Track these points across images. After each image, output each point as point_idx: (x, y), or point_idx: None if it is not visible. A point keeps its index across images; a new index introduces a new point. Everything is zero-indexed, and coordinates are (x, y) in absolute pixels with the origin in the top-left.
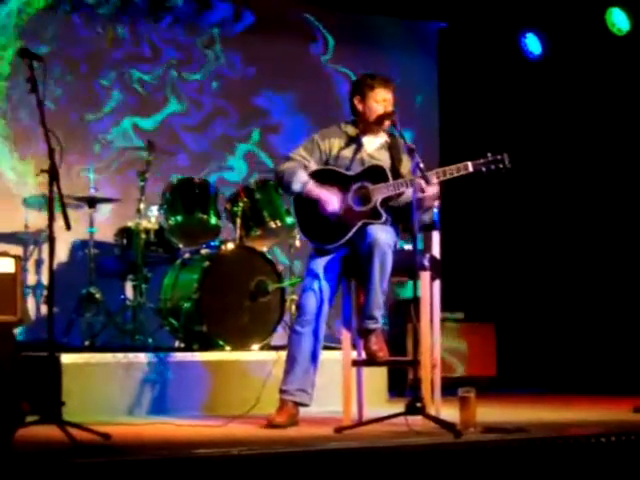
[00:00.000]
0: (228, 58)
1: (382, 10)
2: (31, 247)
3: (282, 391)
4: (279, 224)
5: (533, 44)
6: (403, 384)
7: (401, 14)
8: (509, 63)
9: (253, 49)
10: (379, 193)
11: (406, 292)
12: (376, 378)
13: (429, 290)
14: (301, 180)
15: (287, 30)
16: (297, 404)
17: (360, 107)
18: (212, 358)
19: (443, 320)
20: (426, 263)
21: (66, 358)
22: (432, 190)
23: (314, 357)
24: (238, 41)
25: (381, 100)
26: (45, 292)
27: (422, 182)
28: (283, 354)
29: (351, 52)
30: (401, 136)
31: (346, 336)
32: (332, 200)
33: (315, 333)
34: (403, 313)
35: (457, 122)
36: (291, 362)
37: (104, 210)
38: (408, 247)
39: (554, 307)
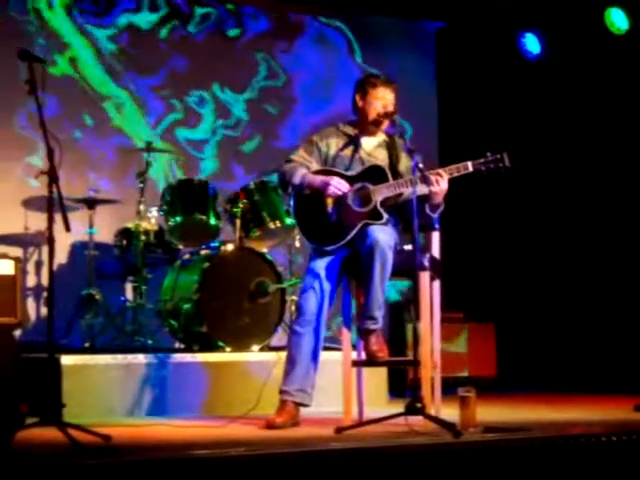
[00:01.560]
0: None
1: (380, 10)
2: (31, 249)
3: (282, 392)
4: (279, 225)
5: (532, 44)
6: (403, 384)
7: (399, 14)
8: (508, 63)
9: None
10: (379, 193)
11: None
12: (376, 378)
13: (429, 290)
14: (301, 174)
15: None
16: (297, 404)
17: (361, 104)
18: (212, 359)
19: (443, 320)
20: (426, 263)
21: (66, 359)
22: (442, 186)
23: (314, 357)
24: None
25: (382, 98)
26: (45, 294)
27: (433, 177)
28: (283, 355)
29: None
30: (401, 136)
31: (346, 336)
32: (332, 180)
33: (315, 333)
34: (403, 313)
35: (456, 122)
36: (291, 362)
37: (103, 211)
38: (408, 247)
39: (554, 306)
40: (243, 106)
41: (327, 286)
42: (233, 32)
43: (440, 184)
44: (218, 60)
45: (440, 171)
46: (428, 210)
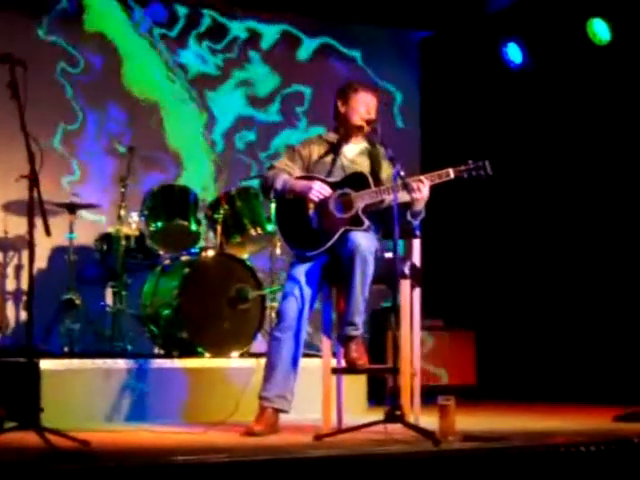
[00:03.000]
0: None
1: (364, 18)
2: (10, 253)
3: (262, 397)
4: (259, 231)
5: (514, 53)
6: (382, 392)
7: (383, 22)
8: (490, 72)
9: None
10: (361, 200)
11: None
12: (356, 386)
13: (409, 298)
14: (282, 179)
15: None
16: (276, 411)
17: (342, 110)
18: (192, 365)
19: (423, 328)
20: (406, 271)
21: (45, 364)
22: (423, 193)
23: (294, 363)
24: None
25: (364, 104)
26: (24, 298)
27: (414, 184)
28: (263, 361)
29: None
30: (382, 143)
31: (326, 343)
32: (314, 185)
33: (295, 339)
34: (383, 321)
35: (439, 130)
36: (270, 368)
37: (84, 216)
38: (389, 255)
39: (535, 315)
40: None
41: (307, 292)
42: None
43: (422, 190)
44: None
45: (422, 177)
46: (409, 217)
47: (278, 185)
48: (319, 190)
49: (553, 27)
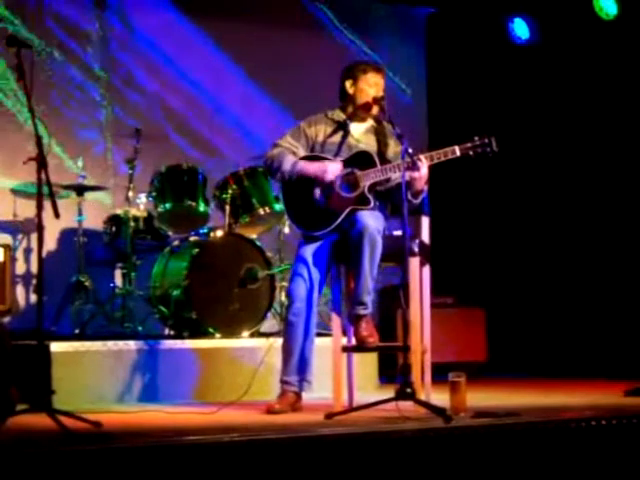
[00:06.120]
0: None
1: None
2: (20, 236)
3: (283, 382)
4: (268, 211)
5: (521, 28)
6: (393, 370)
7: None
8: (497, 47)
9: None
10: (367, 179)
11: None
12: (366, 364)
13: (419, 275)
14: (290, 161)
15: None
16: (297, 393)
17: (351, 90)
18: (202, 345)
19: (433, 305)
20: (415, 248)
21: (56, 346)
22: (423, 173)
23: (310, 344)
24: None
25: (373, 84)
26: (34, 281)
27: (416, 163)
28: (273, 341)
29: (338, 37)
30: (390, 121)
31: (336, 322)
32: (328, 167)
33: (308, 320)
34: (393, 299)
35: (446, 107)
36: (288, 353)
37: (93, 198)
38: (397, 232)
39: (544, 291)
40: None
41: (316, 272)
42: None
43: (420, 170)
44: None
45: (421, 157)
46: (409, 196)
47: (286, 167)
48: (334, 172)
49: (560, 2)
